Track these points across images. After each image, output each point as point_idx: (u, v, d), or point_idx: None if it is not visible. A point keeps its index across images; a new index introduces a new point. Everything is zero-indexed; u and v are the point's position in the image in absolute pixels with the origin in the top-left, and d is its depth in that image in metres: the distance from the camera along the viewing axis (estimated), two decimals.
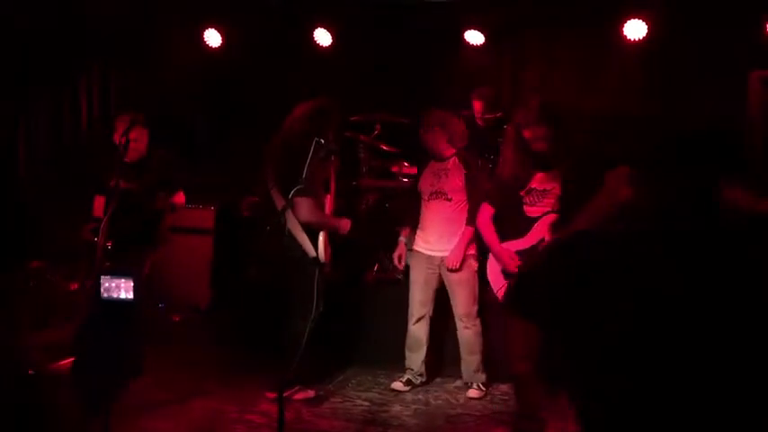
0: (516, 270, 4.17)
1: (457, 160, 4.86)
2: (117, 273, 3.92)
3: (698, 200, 1.69)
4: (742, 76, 5.65)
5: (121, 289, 3.90)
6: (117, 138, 4.78)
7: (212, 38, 6.42)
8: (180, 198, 5.07)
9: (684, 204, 1.69)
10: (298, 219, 4.41)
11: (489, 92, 5.86)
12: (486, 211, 4.43)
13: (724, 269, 1.61)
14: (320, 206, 4.59)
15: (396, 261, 5.06)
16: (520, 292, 1.94)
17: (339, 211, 4.90)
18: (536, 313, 1.83)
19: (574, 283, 1.71)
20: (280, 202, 4.42)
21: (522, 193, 4.22)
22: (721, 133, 1.76)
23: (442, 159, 4.87)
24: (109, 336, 4.04)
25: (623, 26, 5.87)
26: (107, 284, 3.90)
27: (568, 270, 1.75)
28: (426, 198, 4.91)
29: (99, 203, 4.84)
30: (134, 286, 3.92)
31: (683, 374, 1.59)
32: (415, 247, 4.99)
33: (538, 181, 4.23)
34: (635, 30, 5.84)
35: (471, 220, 4.71)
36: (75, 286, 4.84)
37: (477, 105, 5.83)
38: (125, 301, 3.90)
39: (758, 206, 1.74)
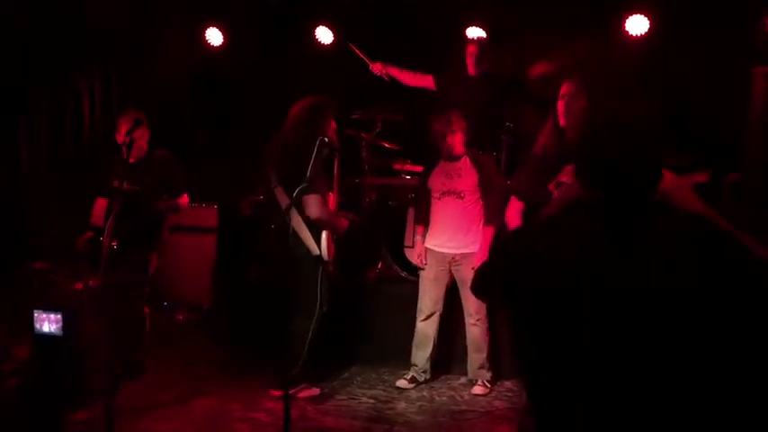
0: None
1: (469, 160, 4.87)
2: (48, 308, 3.98)
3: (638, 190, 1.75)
4: (744, 72, 5.63)
5: (52, 323, 3.96)
6: (119, 137, 4.78)
7: (213, 37, 6.42)
8: (184, 200, 5.06)
9: (617, 201, 1.77)
10: (309, 216, 4.42)
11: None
12: (515, 206, 4.29)
13: (651, 259, 1.70)
14: (326, 204, 4.59)
15: (417, 260, 5.03)
16: (479, 277, 2.06)
17: (342, 209, 4.88)
18: (491, 295, 2.01)
19: (516, 263, 1.87)
20: (284, 201, 4.42)
21: (551, 187, 4.14)
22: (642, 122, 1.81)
23: (454, 159, 4.88)
24: (43, 367, 4.08)
25: (625, 21, 5.85)
26: (39, 318, 3.97)
27: (513, 252, 1.92)
28: (437, 197, 4.92)
29: (99, 207, 4.84)
30: (63, 322, 3.97)
31: (611, 344, 1.68)
32: (426, 245, 5.00)
33: (567, 174, 4.13)
34: (637, 25, 5.83)
35: (490, 220, 4.73)
36: (79, 286, 4.84)
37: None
38: (55, 336, 3.95)
39: (694, 206, 1.83)
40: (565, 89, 4.08)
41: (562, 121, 4.05)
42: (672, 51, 5.73)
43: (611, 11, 5.87)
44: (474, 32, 6.16)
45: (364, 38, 6.46)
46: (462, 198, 4.85)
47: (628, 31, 5.85)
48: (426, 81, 5.90)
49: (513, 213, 4.31)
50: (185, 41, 6.37)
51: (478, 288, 2.03)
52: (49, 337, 4.08)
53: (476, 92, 5.65)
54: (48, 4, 5.42)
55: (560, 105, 4.06)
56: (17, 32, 5.31)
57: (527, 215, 4.26)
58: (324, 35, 6.45)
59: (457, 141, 4.85)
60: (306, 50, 6.51)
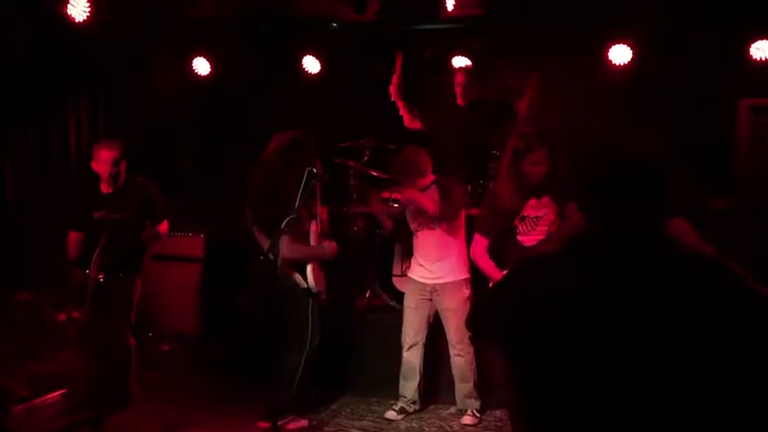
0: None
1: (436, 189, 4.90)
2: None
3: (642, 235, 1.75)
4: (727, 103, 5.71)
5: None
6: (98, 165, 4.74)
7: (201, 66, 6.43)
8: (164, 227, 5.03)
9: (630, 237, 1.75)
10: (282, 258, 4.41)
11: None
12: (480, 243, 4.32)
13: (651, 297, 1.66)
14: (304, 237, 4.57)
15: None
16: (474, 317, 2.03)
17: (327, 236, 4.85)
18: (487, 336, 1.93)
19: (515, 305, 1.81)
20: (263, 240, 4.43)
21: (515, 222, 4.18)
22: (656, 167, 1.80)
23: (423, 190, 4.91)
24: None
25: (608, 51, 5.92)
26: None
27: (511, 292, 1.86)
28: (414, 229, 4.95)
29: (73, 241, 4.80)
30: None
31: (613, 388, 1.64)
32: (410, 274, 5.01)
33: (531, 208, 4.16)
34: (620, 55, 5.90)
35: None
36: (62, 317, 4.79)
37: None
38: None
39: (702, 248, 1.82)
40: (529, 158, 4.06)
41: (530, 182, 4.07)
42: (655, 81, 5.80)
43: (594, 40, 5.94)
44: (460, 62, 6.22)
45: (352, 67, 6.52)
46: (433, 228, 4.87)
47: (611, 61, 5.93)
48: (416, 124, 5.98)
49: (479, 251, 4.32)
50: (173, 70, 6.37)
51: (472, 326, 2.01)
52: None
53: (464, 121, 5.70)
54: (33, 31, 5.41)
55: (527, 168, 4.05)
56: (1, 61, 5.29)
57: (492, 251, 4.29)
58: (311, 65, 6.48)
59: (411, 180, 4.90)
60: (293, 80, 6.53)
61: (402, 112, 6.01)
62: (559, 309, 1.72)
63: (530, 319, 1.76)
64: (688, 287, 1.67)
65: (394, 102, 6.08)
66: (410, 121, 5.99)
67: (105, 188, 4.76)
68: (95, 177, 4.80)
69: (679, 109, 5.62)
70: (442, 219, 4.78)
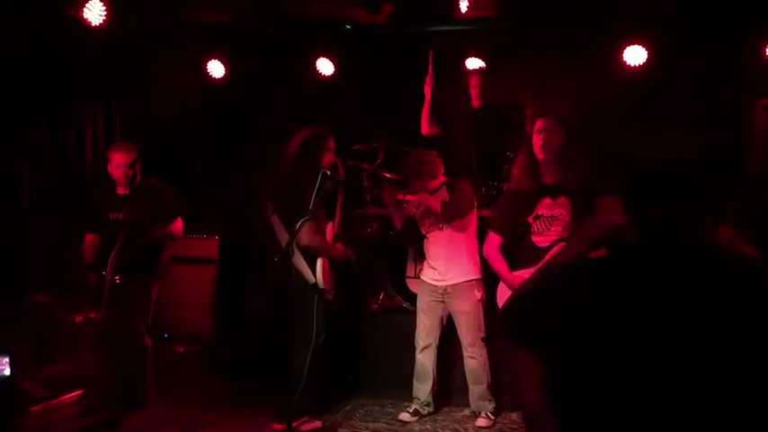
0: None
1: (446, 190, 4.90)
2: None
3: (686, 235, 1.73)
4: (742, 103, 5.67)
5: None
6: (114, 169, 4.82)
7: (215, 69, 6.47)
8: (178, 226, 5.07)
9: (672, 238, 1.73)
10: (298, 243, 4.42)
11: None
12: (494, 241, 4.34)
13: (699, 303, 1.66)
14: (321, 231, 4.58)
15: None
16: (511, 322, 2.00)
17: (342, 239, 4.86)
18: (529, 341, 1.89)
19: (561, 312, 1.79)
20: (281, 230, 4.44)
21: (530, 220, 4.16)
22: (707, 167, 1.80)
23: (434, 192, 4.91)
24: None
25: (623, 52, 5.89)
26: None
27: (556, 299, 1.84)
28: (425, 231, 4.94)
29: (89, 243, 4.88)
30: (10, 362, 3.95)
31: (661, 396, 1.63)
32: (422, 276, 5.01)
33: (546, 207, 4.14)
34: (635, 56, 5.87)
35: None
36: (79, 319, 4.82)
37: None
38: (1, 377, 3.93)
39: (744, 249, 1.80)
40: (541, 124, 4.13)
41: (539, 155, 4.11)
42: (670, 82, 5.76)
43: (608, 41, 5.91)
44: (474, 63, 6.21)
45: (366, 69, 6.52)
46: (443, 230, 4.86)
47: (625, 62, 5.90)
48: (434, 130, 5.94)
49: (492, 248, 4.32)
50: (187, 73, 6.41)
51: (506, 329, 1.98)
52: None
53: (479, 123, 5.69)
54: (49, 34, 5.45)
55: (537, 140, 4.10)
56: (18, 64, 5.34)
57: (505, 249, 4.28)
58: (324, 67, 6.49)
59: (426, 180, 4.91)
60: (307, 82, 6.55)
61: (424, 117, 5.91)
62: (611, 315, 1.70)
63: (579, 324, 1.73)
64: (736, 293, 1.65)
65: (418, 105, 6.03)
66: (428, 128, 5.92)
67: (121, 190, 4.83)
68: (112, 179, 4.87)
69: (694, 109, 5.58)
70: (450, 218, 4.77)
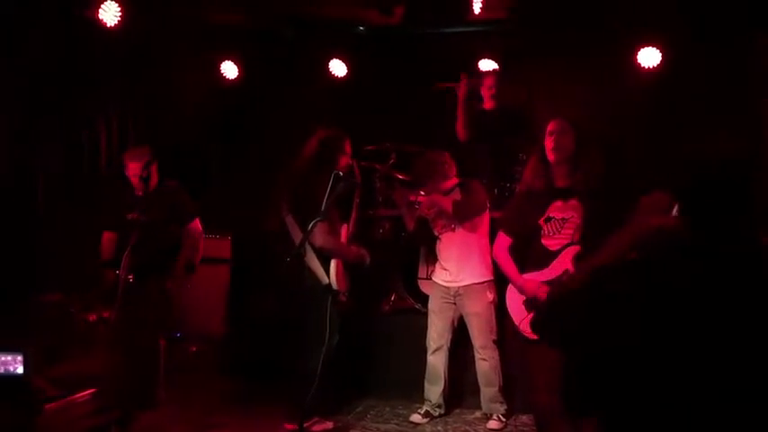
0: (546, 299, 4.02)
1: (459, 191, 4.90)
2: (8, 348, 3.95)
3: (739, 241, 1.71)
4: (758, 104, 5.63)
5: (10, 364, 3.94)
6: (130, 171, 4.88)
7: (229, 70, 6.49)
8: (197, 224, 5.10)
9: (725, 243, 1.70)
10: (312, 244, 4.42)
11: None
12: (503, 242, 4.32)
13: (749, 310, 1.64)
14: (334, 232, 4.59)
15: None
16: (551, 323, 1.95)
17: (355, 240, 4.87)
18: (571, 342, 1.85)
19: (610, 314, 1.76)
20: (295, 230, 4.45)
21: (540, 222, 4.14)
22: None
23: (447, 193, 4.91)
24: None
25: (637, 54, 5.86)
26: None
27: (605, 301, 1.79)
28: (437, 233, 4.94)
29: (107, 241, 4.94)
30: (24, 361, 3.96)
31: (708, 399, 1.62)
32: (433, 278, 5.01)
33: (557, 209, 4.12)
34: (649, 58, 5.84)
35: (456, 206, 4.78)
36: (93, 318, 4.85)
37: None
38: (15, 376, 3.95)
39: None
40: (553, 126, 4.12)
41: (551, 157, 4.10)
42: (684, 83, 5.73)
43: (622, 43, 5.89)
44: (487, 65, 6.20)
45: (379, 70, 6.53)
46: (454, 230, 4.86)
47: (640, 64, 5.87)
48: (471, 134, 5.87)
49: (501, 249, 4.31)
50: (201, 74, 6.44)
51: (549, 337, 1.97)
52: (9, 377, 4.04)
53: (492, 125, 5.68)
54: (65, 34, 5.49)
55: (549, 142, 4.10)
56: (33, 64, 5.38)
57: (515, 250, 4.27)
58: (337, 68, 6.50)
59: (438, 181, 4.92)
60: (320, 83, 6.56)
61: (459, 121, 5.84)
62: (668, 318, 1.68)
63: (632, 324, 1.71)
64: None
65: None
66: (464, 134, 5.83)
67: (139, 192, 4.86)
68: (128, 181, 4.92)
69: (707, 111, 5.55)
70: (462, 219, 4.77)
